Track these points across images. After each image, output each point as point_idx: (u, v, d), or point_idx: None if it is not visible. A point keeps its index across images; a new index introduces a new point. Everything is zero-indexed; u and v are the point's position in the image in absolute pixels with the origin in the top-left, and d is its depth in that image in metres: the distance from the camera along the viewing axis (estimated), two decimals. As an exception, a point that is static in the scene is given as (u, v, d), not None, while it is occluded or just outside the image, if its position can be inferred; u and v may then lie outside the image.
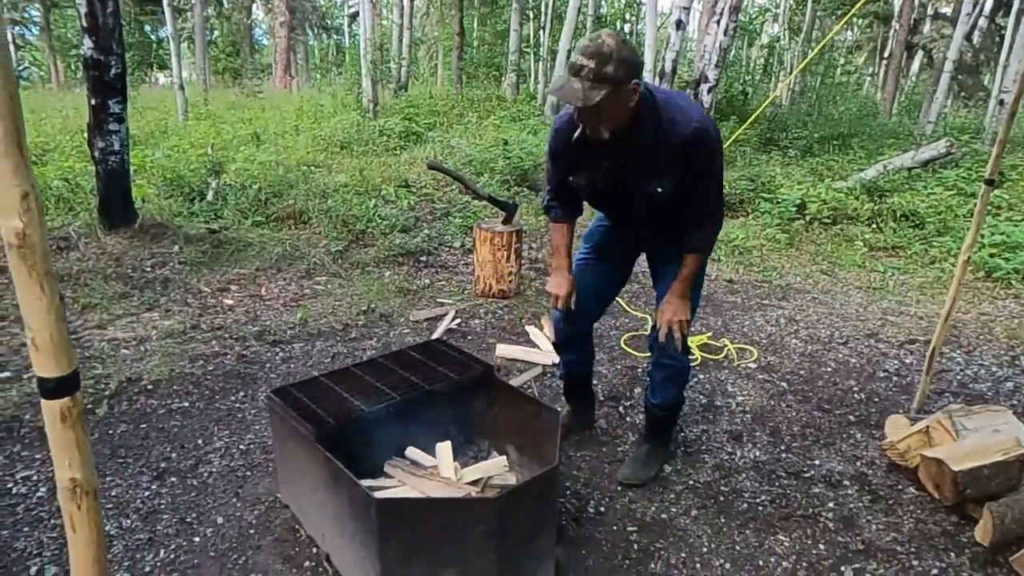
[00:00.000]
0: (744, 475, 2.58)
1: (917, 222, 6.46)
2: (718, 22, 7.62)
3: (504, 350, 3.60)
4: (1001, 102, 10.86)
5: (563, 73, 2.01)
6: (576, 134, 2.02)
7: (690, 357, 3.45)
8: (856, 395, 3.32)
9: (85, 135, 4.80)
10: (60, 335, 0.84)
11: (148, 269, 4.41)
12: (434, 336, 3.76)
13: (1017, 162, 8.28)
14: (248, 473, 2.46)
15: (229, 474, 2.45)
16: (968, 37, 15.40)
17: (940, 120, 12.01)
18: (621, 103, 1.84)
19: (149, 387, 3.06)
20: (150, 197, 5.53)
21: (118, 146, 4.65)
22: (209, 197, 5.76)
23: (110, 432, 2.68)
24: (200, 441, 2.66)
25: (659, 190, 2.02)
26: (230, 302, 4.18)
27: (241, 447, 2.63)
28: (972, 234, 2.72)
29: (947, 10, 19.19)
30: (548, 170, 2.33)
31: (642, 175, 2.03)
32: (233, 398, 3.02)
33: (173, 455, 2.56)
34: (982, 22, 18.17)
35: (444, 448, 2.16)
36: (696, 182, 2.03)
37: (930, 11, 20.26)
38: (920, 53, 21.21)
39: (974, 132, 10.88)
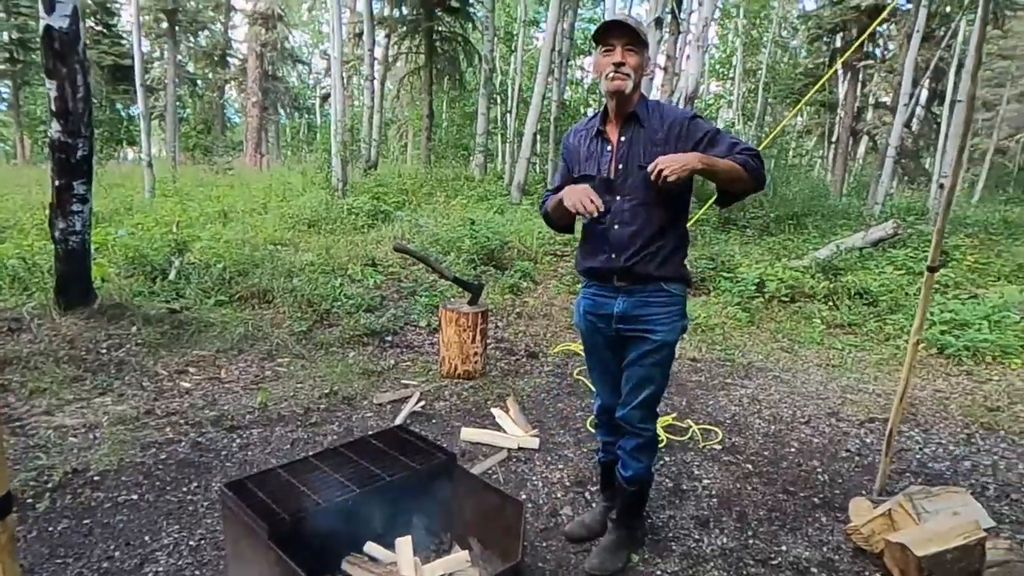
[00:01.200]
0: (712, 564, 2.54)
1: (870, 300, 6.68)
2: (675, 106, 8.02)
3: (469, 434, 3.55)
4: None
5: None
6: (596, 127, 2.31)
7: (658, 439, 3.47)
8: (820, 476, 3.33)
9: (47, 214, 4.75)
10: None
11: (103, 351, 4.29)
12: (398, 419, 3.70)
13: (959, 242, 8.71)
14: (197, 573, 2.34)
15: (176, 574, 2.32)
16: (907, 124, 16.44)
17: (887, 201, 12.65)
18: (642, 63, 2.20)
19: (96, 478, 2.92)
20: (110, 276, 5.45)
21: (80, 226, 4.61)
22: (172, 276, 5.70)
23: (50, 529, 2.54)
24: (147, 537, 2.52)
25: None
26: (187, 385, 4.07)
27: (191, 543, 2.50)
28: (919, 318, 2.82)
29: (887, 99, 20.54)
30: (555, 176, 2.54)
31: (644, 152, 2.20)
32: (185, 489, 2.89)
33: (117, 553, 2.42)
34: (919, 111, 19.48)
35: (404, 543, 2.09)
36: (707, 141, 2.17)
37: (872, 100, 21.64)
38: (865, 138, 22.52)
39: (919, 213, 11.46)
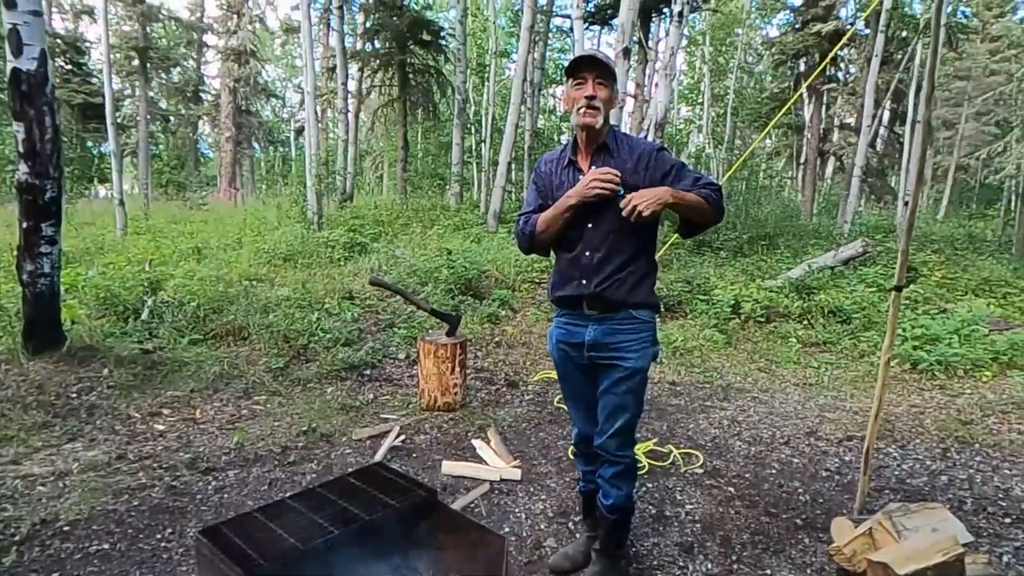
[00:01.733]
0: (697, 591, 2.53)
1: (844, 318, 6.80)
2: (645, 138, 8.17)
3: (450, 467, 3.52)
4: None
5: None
6: (567, 157, 2.38)
7: (638, 465, 3.47)
8: (801, 497, 3.35)
9: (14, 256, 4.67)
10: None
11: (73, 395, 4.19)
12: (377, 455, 3.65)
13: (927, 258, 8.92)
14: (171, 623, 2.27)
15: (150, 626, 2.25)
16: (872, 144, 16.91)
17: (855, 220, 12.94)
18: (612, 96, 2.28)
19: (65, 528, 2.83)
20: (80, 318, 5.34)
21: (48, 268, 4.53)
22: (144, 315, 5.61)
23: (17, 584, 2.45)
24: (119, 589, 2.45)
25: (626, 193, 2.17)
26: (161, 427, 3.98)
27: (165, 593, 2.43)
28: (889, 336, 2.88)
29: (852, 120, 21.11)
30: (525, 200, 2.56)
31: None
32: (159, 536, 2.82)
33: (88, 607, 2.34)
34: (883, 131, 20.05)
35: (385, 584, 2.05)
36: (679, 176, 2.24)
37: (837, 122, 22.22)
38: (832, 159, 23.07)
39: (886, 231, 11.73)
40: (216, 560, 1.92)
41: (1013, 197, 19.58)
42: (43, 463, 3.43)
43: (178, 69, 25.62)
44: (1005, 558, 2.77)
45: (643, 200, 2.08)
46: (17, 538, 2.72)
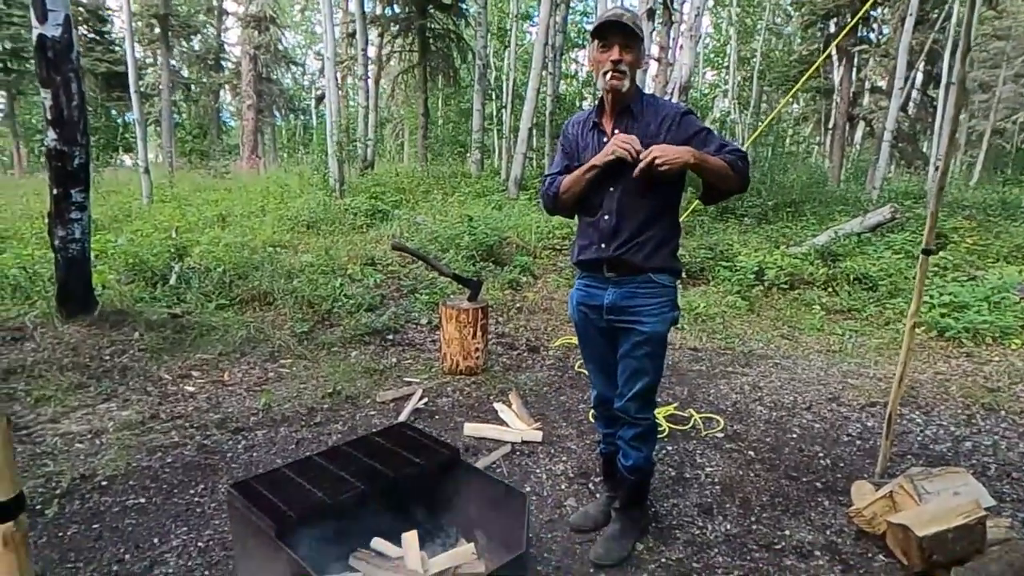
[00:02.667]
0: (716, 550, 2.57)
1: (870, 285, 6.70)
2: (670, 100, 8.02)
3: (472, 429, 3.57)
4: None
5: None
6: (592, 119, 2.37)
7: (658, 428, 3.49)
8: (822, 461, 3.36)
9: (46, 223, 4.77)
10: (4, 460, 0.83)
11: (107, 358, 4.31)
12: (401, 417, 3.72)
13: (958, 224, 8.71)
14: (207, 573, 2.36)
15: (186, 575, 2.35)
16: (904, 108, 16.45)
17: (884, 186, 12.65)
18: (639, 59, 2.26)
19: (103, 483, 2.95)
20: (111, 283, 5.47)
21: (79, 234, 4.63)
22: (172, 281, 5.72)
23: (60, 534, 2.56)
24: (156, 540, 2.55)
25: None
26: (191, 389, 4.09)
27: (199, 545, 2.52)
28: (916, 301, 2.84)
29: (883, 83, 20.50)
30: (554, 163, 2.55)
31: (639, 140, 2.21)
32: (192, 492, 2.92)
33: (127, 556, 2.44)
34: (915, 94, 19.46)
35: (410, 538, 2.11)
36: (702, 142, 2.21)
37: (867, 85, 21.60)
38: (862, 124, 22.50)
39: (916, 197, 11.46)
40: (247, 512, 1.99)
41: (1050, 162, 18.96)
42: (80, 422, 3.55)
43: (199, 37, 25.60)
44: (1028, 522, 2.76)
45: (663, 155, 2.06)
46: (59, 492, 2.84)
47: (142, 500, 2.83)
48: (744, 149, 2.23)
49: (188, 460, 3.20)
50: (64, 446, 3.26)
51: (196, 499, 2.86)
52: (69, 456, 3.16)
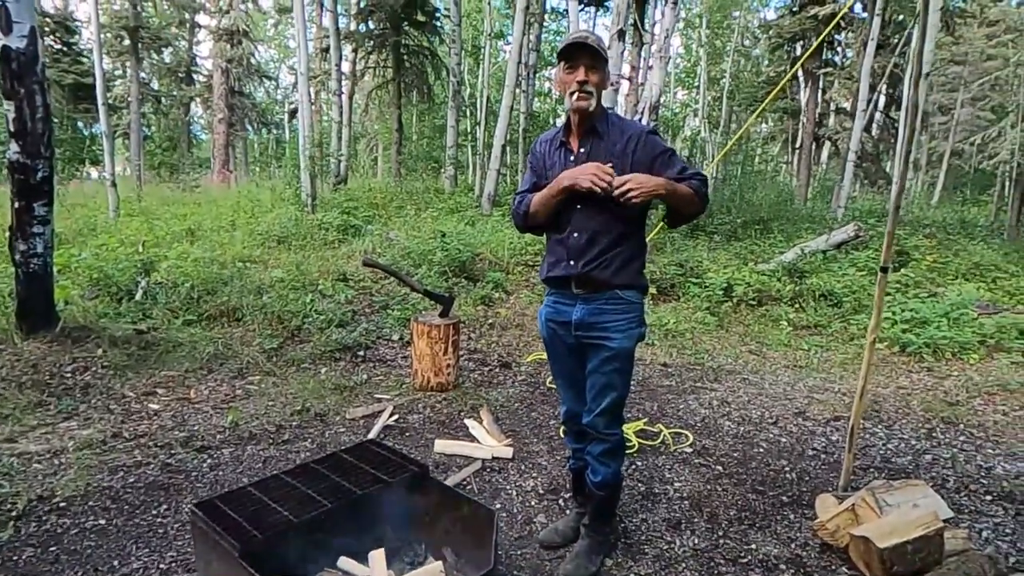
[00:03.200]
0: (684, 565, 2.59)
1: (835, 301, 6.85)
2: (639, 120, 8.16)
3: (443, 445, 3.56)
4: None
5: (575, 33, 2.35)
6: (559, 138, 2.42)
7: (627, 443, 3.52)
8: (788, 475, 3.41)
9: (7, 236, 4.66)
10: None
11: (68, 375, 4.21)
12: (371, 434, 3.69)
13: (919, 242, 8.97)
14: (168, 595, 2.31)
15: (146, 598, 2.29)
16: (867, 129, 16.90)
17: (849, 204, 12.97)
18: (604, 79, 2.30)
19: (62, 504, 2.87)
20: (74, 299, 5.35)
21: (41, 248, 4.53)
22: (138, 296, 5.62)
23: (15, 558, 2.48)
24: (116, 563, 2.48)
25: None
26: (156, 407, 4.01)
27: (162, 567, 2.47)
28: (875, 317, 2.92)
29: (847, 105, 21.07)
30: (523, 181, 2.59)
31: (603, 161, 2.25)
32: (155, 512, 2.86)
33: (85, 580, 2.38)
34: (878, 116, 20.02)
35: (377, 556, 2.10)
36: (664, 164, 2.27)
37: (833, 107, 22.16)
38: (828, 144, 23.05)
39: (879, 215, 11.76)
40: (211, 532, 1.96)
41: (1007, 183, 19.62)
42: (39, 441, 3.46)
43: (170, 49, 25.30)
44: (984, 533, 2.83)
45: (639, 187, 2.12)
46: (14, 514, 2.76)
47: (102, 521, 2.76)
48: (703, 172, 2.32)
49: (151, 480, 3.13)
50: (21, 466, 3.17)
51: (159, 520, 2.80)
52: (26, 477, 3.08)
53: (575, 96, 2.24)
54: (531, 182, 2.51)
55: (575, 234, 2.33)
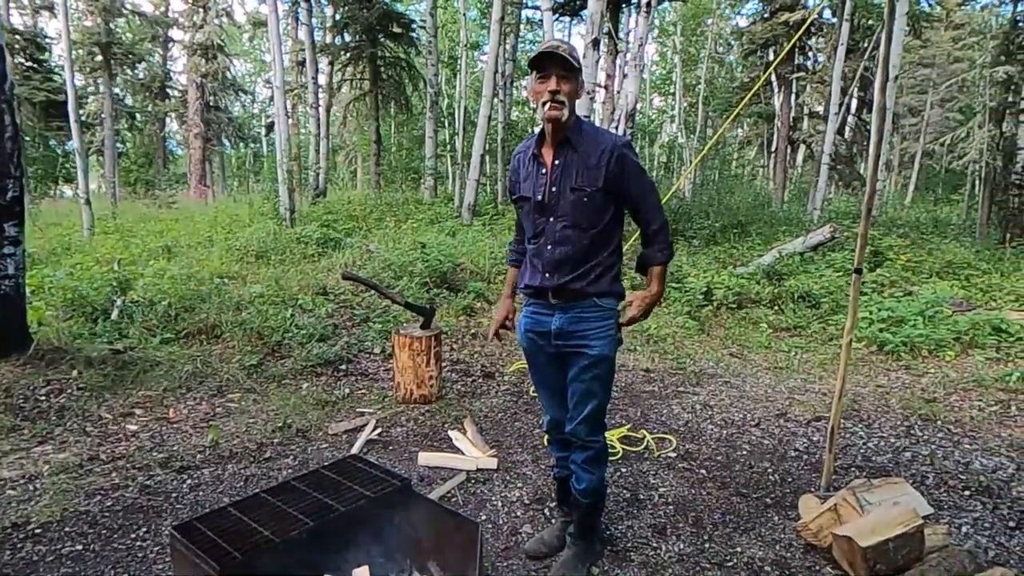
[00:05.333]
0: (670, 570, 2.59)
1: (813, 302, 6.93)
2: (616, 128, 8.22)
3: (426, 458, 3.54)
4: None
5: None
6: (532, 150, 2.42)
7: (611, 449, 3.52)
8: (771, 477, 3.43)
9: (-24, 259, 4.57)
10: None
11: (42, 398, 4.13)
12: (354, 449, 3.66)
13: (893, 242, 9.11)
14: (148, 621, 2.27)
15: (126, 624, 2.24)
16: (840, 132, 17.16)
17: (825, 206, 13.16)
18: (577, 88, 2.29)
19: (37, 531, 2.80)
20: (47, 320, 5.25)
21: (12, 270, 4.45)
22: (114, 316, 5.53)
23: (-12, 588, 2.43)
24: (94, 589, 2.43)
25: (587, 188, 2.29)
26: (134, 428, 3.94)
27: (141, 591, 2.42)
28: (851, 318, 2.96)
29: (820, 109, 21.40)
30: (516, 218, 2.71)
31: (576, 175, 2.31)
32: (133, 536, 2.80)
33: (61, 608, 2.33)
34: (850, 119, 20.36)
35: (361, 574, 2.08)
36: (632, 188, 2.33)
37: (806, 110, 22.51)
38: (802, 147, 23.40)
39: (854, 216, 11.94)
40: (191, 555, 1.93)
41: (976, 182, 20.05)
42: (12, 467, 3.38)
43: (143, 65, 25.05)
44: (964, 528, 2.87)
45: (640, 312, 2.37)
46: (-13, 542, 2.69)
47: (79, 547, 2.70)
48: (664, 215, 2.41)
49: (129, 502, 3.07)
50: (-6, 493, 3.10)
51: (138, 543, 2.74)
52: (0, 504, 3.00)
53: (547, 106, 2.25)
54: (514, 195, 2.53)
55: (548, 246, 2.36)
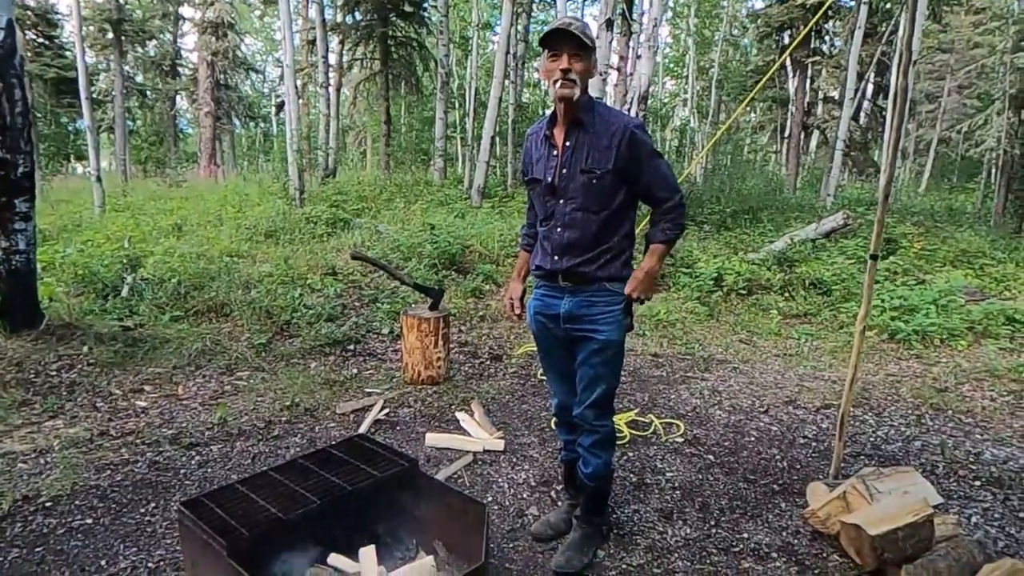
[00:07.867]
0: (676, 555, 2.58)
1: (824, 290, 6.87)
2: (628, 111, 8.13)
3: (434, 439, 3.54)
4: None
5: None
6: (544, 131, 2.38)
7: (619, 434, 3.52)
8: (779, 463, 3.42)
9: (-12, 234, 4.59)
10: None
11: (53, 373, 4.16)
12: (361, 428, 3.67)
13: (907, 230, 9.01)
14: (156, 595, 2.29)
15: (134, 598, 2.27)
16: (855, 118, 16.94)
17: (838, 193, 13.01)
18: (589, 67, 2.24)
19: (47, 504, 2.83)
20: (58, 296, 5.28)
21: (23, 245, 4.47)
22: (124, 293, 5.55)
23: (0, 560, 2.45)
24: (103, 562, 2.45)
25: (597, 171, 2.25)
26: (143, 404, 3.97)
27: (150, 566, 2.44)
28: (865, 305, 2.92)
29: (836, 94, 21.11)
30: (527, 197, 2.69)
31: (587, 156, 2.27)
32: (142, 510, 2.82)
33: (71, 580, 2.35)
34: (866, 105, 20.08)
35: (367, 553, 2.08)
36: (644, 169, 2.27)
37: (821, 95, 22.20)
38: (816, 133, 23.12)
39: (868, 203, 11.81)
40: (199, 531, 1.93)
41: (993, 170, 19.76)
42: (23, 441, 3.41)
43: (154, 42, 24.97)
44: (974, 519, 2.85)
45: (643, 291, 2.32)
46: (-2, 514, 2.72)
47: (89, 521, 2.73)
48: (681, 191, 2.32)
49: (139, 478, 3.10)
50: (6, 467, 3.12)
51: (147, 518, 2.77)
52: (11, 477, 3.03)
53: (558, 84, 2.20)
54: (528, 176, 2.50)
55: (558, 229, 2.33)
